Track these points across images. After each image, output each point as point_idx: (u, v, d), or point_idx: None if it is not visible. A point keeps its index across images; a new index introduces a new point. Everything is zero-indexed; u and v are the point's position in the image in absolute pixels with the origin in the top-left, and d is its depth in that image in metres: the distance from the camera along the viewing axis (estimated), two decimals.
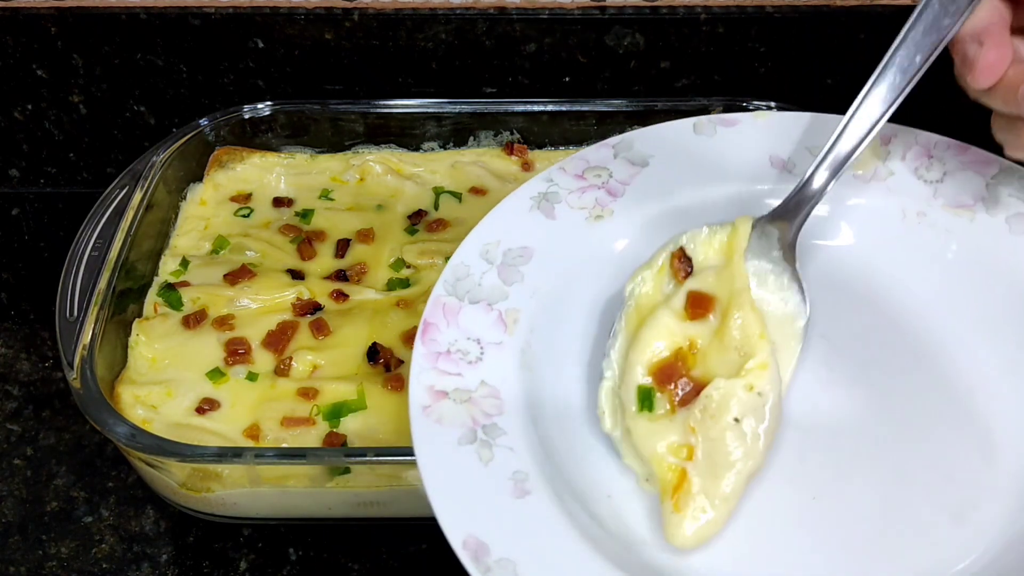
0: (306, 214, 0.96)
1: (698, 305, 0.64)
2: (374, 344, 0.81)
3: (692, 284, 0.65)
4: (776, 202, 0.68)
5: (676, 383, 0.62)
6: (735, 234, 0.65)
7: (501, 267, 0.69)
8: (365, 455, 0.69)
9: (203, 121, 0.99)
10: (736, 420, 0.60)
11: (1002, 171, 0.70)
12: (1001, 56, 0.57)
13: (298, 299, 0.86)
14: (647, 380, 0.62)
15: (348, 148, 1.04)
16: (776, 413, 0.62)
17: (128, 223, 0.85)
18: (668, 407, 0.61)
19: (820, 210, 0.69)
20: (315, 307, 0.86)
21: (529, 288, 0.68)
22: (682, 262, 0.66)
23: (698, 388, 0.61)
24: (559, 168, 0.72)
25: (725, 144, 0.72)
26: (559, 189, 0.71)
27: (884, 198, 0.71)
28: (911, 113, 0.70)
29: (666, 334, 0.64)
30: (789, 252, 0.67)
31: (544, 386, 0.65)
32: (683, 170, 0.72)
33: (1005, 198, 0.69)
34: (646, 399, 0.62)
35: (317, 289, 0.87)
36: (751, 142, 0.72)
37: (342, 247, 0.92)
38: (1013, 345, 0.67)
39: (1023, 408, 0.64)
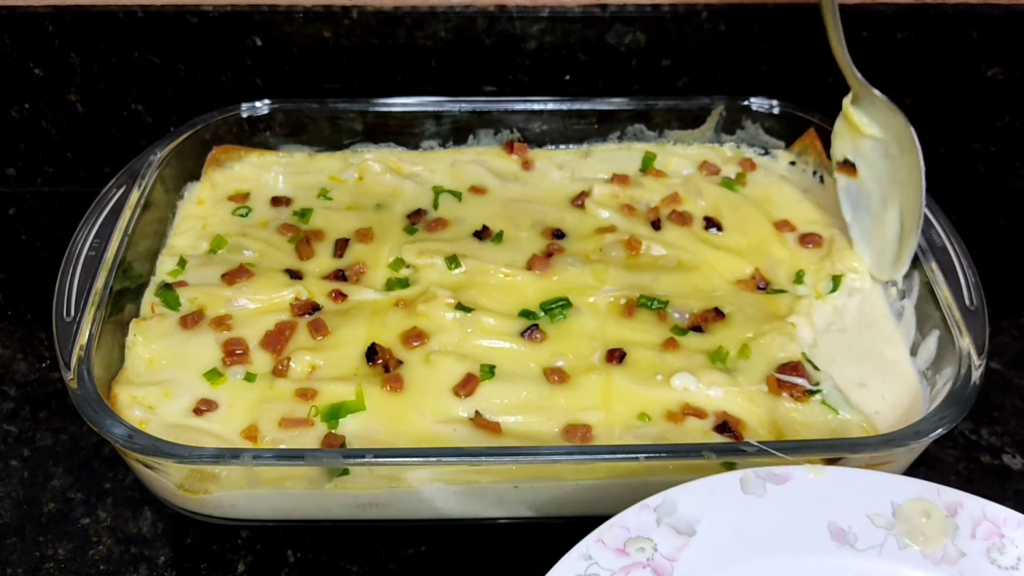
0: (304, 213, 0.95)
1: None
2: (373, 344, 0.81)
3: None
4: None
5: None
6: None
7: None
8: (364, 456, 0.68)
9: (201, 120, 0.98)
10: None
11: None
12: None
13: (296, 299, 0.86)
14: None
15: (347, 147, 1.03)
16: None
17: (125, 222, 0.85)
18: None
19: None
20: (313, 307, 0.85)
21: None
22: None
23: None
24: (597, 541, 0.62)
25: (777, 506, 0.64)
26: (599, 570, 0.61)
27: None
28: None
29: None
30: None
31: None
32: (734, 541, 0.63)
33: None
34: None
35: (315, 289, 0.87)
36: (805, 505, 0.64)
37: (341, 247, 0.92)
38: None
39: None
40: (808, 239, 0.94)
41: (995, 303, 0.79)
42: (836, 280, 0.90)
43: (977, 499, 0.64)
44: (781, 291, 0.89)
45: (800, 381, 0.79)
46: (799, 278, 0.90)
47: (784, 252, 0.93)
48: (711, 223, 0.95)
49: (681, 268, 0.90)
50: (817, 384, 0.79)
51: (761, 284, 0.90)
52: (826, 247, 0.93)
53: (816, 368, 0.81)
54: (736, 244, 0.94)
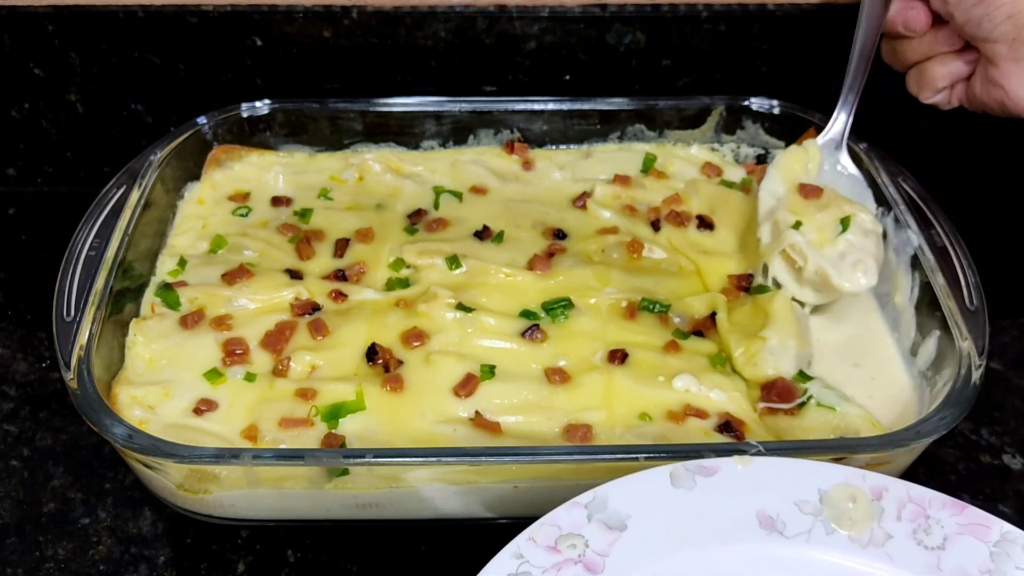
0: (305, 213, 0.95)
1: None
2: (373, 344, 0.81)
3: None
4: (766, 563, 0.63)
5: None
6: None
7: None
8: (364, 456, 0.68)
9: (201, 120, 0.98)
10: None
11: (1003, 538, 0.63)
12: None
13: (296, 299, 0.86)
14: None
15: (347, 147, 1.03)
16: None
17: (125, 222, 0.85)
18: None
19: None
20: (314, 307, 0.85)
21: None
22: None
23: None
24: (528, 539, 0.62)
25: (707, 498, 0.64)
26: (531, 568, 0.61)
27: (888, 569, 0.63)
28: None
29: None
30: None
31: None
32: (665, 534, 0.63)
33: (1013, 572, 0.62)
34: None
35: (316, 289, 0.87)
36: (734, 495, 0.64)
37: (341, 247, 0.92)
38: None
39: None
40: (808, 190, 0.88)
41: (995, 303, 0.79)
42: (845, 221, 0.85)
43: (902, 482, 0.65)
44: (761, 288, 0.87)
45: (783, 406, 0.78)
46: (796, 226, 0.86)
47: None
48: (703, 222, 0.95)
49: (682, 273, 0.91)
50: (805, 392, 0.78)
51: (745, 284, 0.89)
52: (826, 199, 0.88)
53: (806, 378, 0.80)
54: (725, 241, 0.94)
